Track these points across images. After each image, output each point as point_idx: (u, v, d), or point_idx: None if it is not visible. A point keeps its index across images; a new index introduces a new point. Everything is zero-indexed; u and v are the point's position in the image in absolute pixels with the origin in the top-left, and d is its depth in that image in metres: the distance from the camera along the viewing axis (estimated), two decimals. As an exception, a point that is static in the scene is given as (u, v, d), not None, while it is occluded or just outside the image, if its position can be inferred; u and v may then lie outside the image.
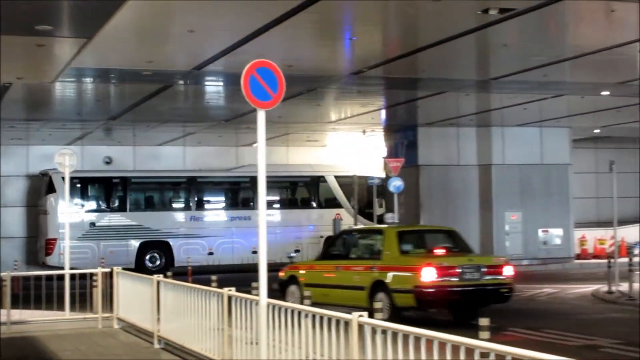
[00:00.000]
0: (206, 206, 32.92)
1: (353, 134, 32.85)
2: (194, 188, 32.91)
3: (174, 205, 32.86)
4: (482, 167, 31.86)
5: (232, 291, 10.50)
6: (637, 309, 18.39)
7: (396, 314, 15.34)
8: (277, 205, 33.52)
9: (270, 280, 9.61)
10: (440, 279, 15.53)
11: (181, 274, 24.94)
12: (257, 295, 9.08)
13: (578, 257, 33.60)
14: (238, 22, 15.14)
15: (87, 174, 31.42)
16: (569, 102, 26.55)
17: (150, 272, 26.21)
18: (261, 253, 9.01)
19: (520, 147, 31.94)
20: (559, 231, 32.25)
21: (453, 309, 16.64)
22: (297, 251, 31.35)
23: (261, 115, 8.97)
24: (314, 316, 8.17)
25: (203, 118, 28.21)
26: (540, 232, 32.03)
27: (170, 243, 31.48)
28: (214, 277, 18.01)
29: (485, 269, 16.18)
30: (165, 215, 32.11)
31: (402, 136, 31.96)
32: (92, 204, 31.78)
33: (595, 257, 33.84)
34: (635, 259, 24.13)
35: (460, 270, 15.82)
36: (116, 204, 31.92)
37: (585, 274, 28.52)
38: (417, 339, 6.35)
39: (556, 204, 32.34)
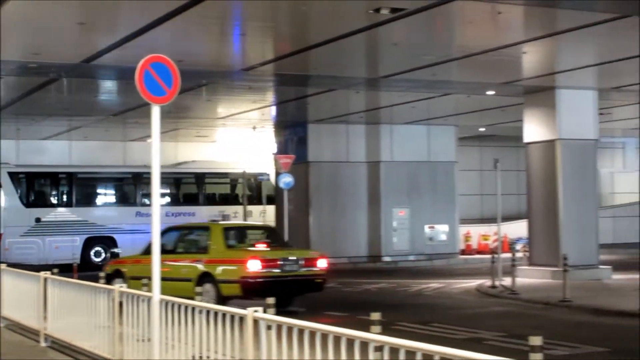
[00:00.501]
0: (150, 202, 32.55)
1: (243, 130, 32.85)
2: (138, 183, 32.65)
3: (119, 200, 32.72)
4: (370, 164, 32.26)
5: (123, 287, 10.39)
6: (519, 302, 18.99)
7: (221, 303, 15.75)
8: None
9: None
10: (264, 270, 17.04)
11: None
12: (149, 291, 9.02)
13: (463, 252, 34.39)
14: (129, 16, 15.00)
15: (32, 169, 31.18)
16: (456, 101, 27.17)
17: (96, 267, 26.51)
18: (155, 249, 8.98)
19: (408, 145, 32.48)
20: (444, 227, 32.93)
21: (274, 297, 17.08)
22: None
23: (156, 111, 8.92)
24: (208, 312, 8.17)
25: (90, 112, 27.76)
26: (426, 228, 32.64)
27: (115, 238, 31.36)
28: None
29: (302, 262, 17.86)
30: (110, 210, 31.92)
31: (293, 133, 32.12)
32: (37, 199, 31.27)
33: (479, 252, 34.69)
34: (518, 254, 24.87)
35: (281, 262, 17.47)
36: (62, 199, 31.58)
37: (470, 269, 29.21)
38: (312, 333, 6.44)
39: (442, 200, 33.03)
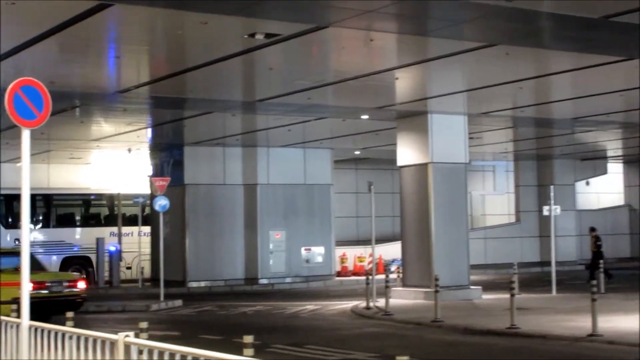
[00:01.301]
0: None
1: (118, 152, 32.49)
2: (108, 205, 33.70)
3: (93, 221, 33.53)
4: (247, 187, 32.33)
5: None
6: (392, 323, 19.37)
7: None
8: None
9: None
10: (35, 292, 18.02)
11: None
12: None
13: (339, 274, 34.75)
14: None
15: (12, 191, 30.89)
16: (332, 125, 27.55)
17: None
18: (24, 273, 8.85)
19: (285, 167, 32.71)
20: (320, 249, 33.26)
21: (43, 316, 17.46)
22: None
23: (26, 135, 8.83)
24: (78, 337, 8.11)
25: (-42, 133, 26.97)
26: (303, 251, 32.89)
27: (92, 258, 32.25)
28: None
29: (66, 283, 20.48)
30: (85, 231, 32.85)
31: (169, 155, 31.94)
32: (16, 221, 31.59)
33: (355, 274, 35.13)
34: (392, 276, 25.32)
35: (49, 284, 19.95)
36: (40, 221, 32.47)
37: (346, 290, 29.58)
38: (184, 357, 6.49)
39: (318, 223, 33.36)
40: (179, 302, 25.18)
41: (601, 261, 27.52)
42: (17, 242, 30.62)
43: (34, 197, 32.54)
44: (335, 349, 15.10)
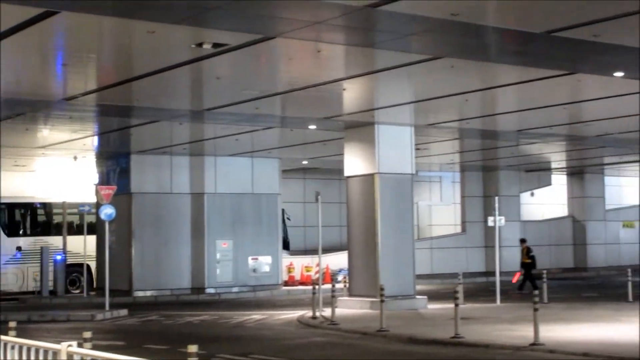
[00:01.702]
0: None
1: (64, 160, 32.20)
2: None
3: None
4: (194, 196, 32.24)
5: None
6: (338, 332, 19.46)
7: None
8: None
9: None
10: None
11: None
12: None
13: (286, 284, 34.79)
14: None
15: (13, 200, 32.71)
16: (280, 134, 27.62)
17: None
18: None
19: (233, 177, 32.67)
20: (268, 259, 33.26)
21: None
22: None
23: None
24: (20, 347, 8.06)
25: None
26: (250, 260, 32.86)
27: (90, 265, 32.60)
28: None
29: None
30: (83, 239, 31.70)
31: (115, 163, 31.73)
32: (18, 229, 32.91)
33: (302, 283, 35.19)
34: (338, 285, 25.46)
35: None
36: (40, 229, 33.18)
37: (293, 300, 29.63)
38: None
39: (266, 232, 33.37)
40: (124, 312, 25.02)
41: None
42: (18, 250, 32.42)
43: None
44: (281, 359, 15.14)
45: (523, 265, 30.87)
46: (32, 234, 33.35)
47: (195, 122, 24.52)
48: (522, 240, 32.06)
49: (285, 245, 36.83)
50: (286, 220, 37.49)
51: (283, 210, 35.13)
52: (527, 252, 30.98)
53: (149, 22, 13.34)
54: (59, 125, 24.58)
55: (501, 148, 32.92)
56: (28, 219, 34.16)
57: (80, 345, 7.31)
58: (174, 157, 31.73)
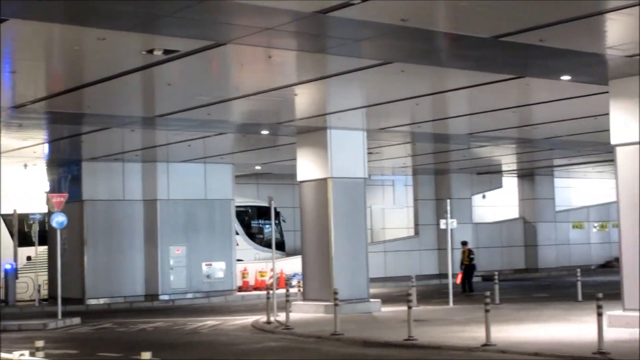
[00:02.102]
0: None
1: (14, 168, 31.87)
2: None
3: None
4: (147, 202, 32.08)
5: None
6: (293, 337, 19.52)
7: None
8: None
9: None
10: None
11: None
12: None
13: (240, 289, 34.72)
14: None
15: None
16: (232, 140, 27.62)
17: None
18: None
19: (185, 183, 32.58)
20: (222, 264, 33.19)
21: None
22: None
23: None
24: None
25: None
26: (204, 266, 32.79)
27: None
28: None
29: None
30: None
31: (66, 171, 31.49)
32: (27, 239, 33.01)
33: (256, 289, 35.13)
34: (293, 290, 25.49)
35: None
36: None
37: (247, 305, 29.61)
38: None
39: (219, 238, 33.32)
40: (77, 320, 24.82)
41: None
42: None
43: None
44: (236, 364, 15.16)
45: (464, 267, 31.44)
46: None
47: (147, 129, 24.41)
48: (464, 243, 32.53)
49: (281, 247, 37.19)
50: (281, 222, 37.82)
51: (279, 213, 35.16)
52: (468, 255, 31.56)
53: (99, 29, 13.29)
54: (9, 133, 24.32)
55: (453, 151, 33.23)
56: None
57: (32, 355, 7.29)
58: (126, 164, 31.56)
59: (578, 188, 50.14)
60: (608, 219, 48.56)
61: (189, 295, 32.25)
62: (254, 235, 39.57)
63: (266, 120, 23.59)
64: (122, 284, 31.37)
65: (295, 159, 26.25)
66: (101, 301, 30.78)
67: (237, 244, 35.42)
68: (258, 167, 37.02)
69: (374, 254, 34.96)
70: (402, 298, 26.38)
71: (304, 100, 20.72)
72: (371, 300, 25.28)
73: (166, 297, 31.74)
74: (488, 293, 16.99)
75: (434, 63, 16.86)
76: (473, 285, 31.03)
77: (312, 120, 23.43)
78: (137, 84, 18.22)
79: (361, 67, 16.96)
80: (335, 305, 19.39)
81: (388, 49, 15.55)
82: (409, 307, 17.70)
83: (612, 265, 45.87)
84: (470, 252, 31.74)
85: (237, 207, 35.13)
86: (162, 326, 23.15)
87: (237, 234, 36.38)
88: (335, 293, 19.88)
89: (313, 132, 24.92)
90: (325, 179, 24.85)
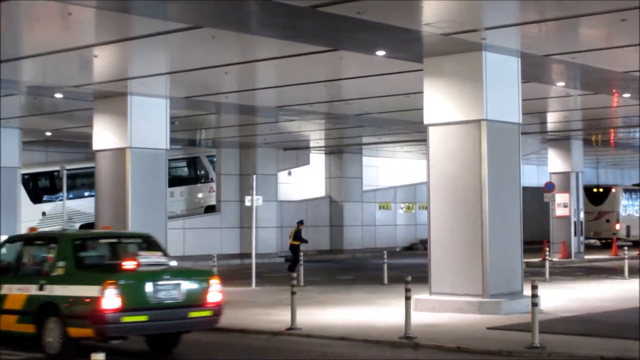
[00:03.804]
0: None
1: None
2: None
3: None
4: None
5: None
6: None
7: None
8: None
9: None
10: None
11: None
12: None
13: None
14: None
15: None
16: (22, 102, 26.63)
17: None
18: None
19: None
20: (5, 238, 31.90)
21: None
22: None
23: None
24: None
25: None
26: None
27: None
28: None
29: None
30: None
31: None
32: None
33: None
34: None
35: None
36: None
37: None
38: None
39: (4, 210, 32.03)
40: None
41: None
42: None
43: None
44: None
45: (292, 247, 31.36)
46: None
47: None
48: (301, 222, 32.30)
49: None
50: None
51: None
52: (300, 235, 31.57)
53: None
54: None
55: (259, 124, 33.37)
56: None
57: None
58: None
59: (385, 167, 51.49)
60: (415, 200, 50.29)
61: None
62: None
63: (61, 83, 22.85)
64: None
65: (90, 126, 25.58)
66: None
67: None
68: (48, 133, 35.85)
69: (173, 231, 34.59)
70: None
71: (103, 62, 20.23)
72: (169, 280, 25.02)
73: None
74: (295, 274, 17.19)
75: (245, 30, 16.81)
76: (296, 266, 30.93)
77: (112, 84, 22.86)
78: None
79: (167, 30, 16.70)
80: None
81: (197, 13, 15.40)
82: (211, 288, 17.60)
83: (416, 248, 47.61)
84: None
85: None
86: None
87: None
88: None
89: (112, 98, 24.32)
90: (123, 149, 24.35)
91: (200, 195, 43.75)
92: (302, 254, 28.33)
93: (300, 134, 37.53)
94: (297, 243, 30.05)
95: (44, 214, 38.10)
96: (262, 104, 27.59)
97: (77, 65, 20.35)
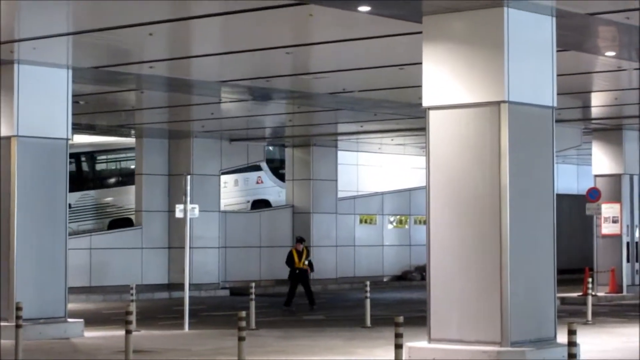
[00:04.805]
0: None
1: None
2: None
3: None
4: None
5: None
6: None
7: None
8: None
9: None
10: None
11: None
12: None
13: None
14: None
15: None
16: None
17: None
18: None
19: None
20: None
21: None
22: None
23: None
24: None
25: None
26: None
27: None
28: None
29: None
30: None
31: None
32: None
33: None
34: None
35: None
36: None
37: None
38: None
39: None
40: None
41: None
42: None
43: None
44: None
45: (298, 271, 31.60)
46: None
47: None
48: (302, 240, 32.53)
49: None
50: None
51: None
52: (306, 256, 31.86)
53: None
54: None
55: (196, 105, 33.38)
56: None
57: None
58: None
59: (369, 166, 51.57)
60: (409, 212, 50.42)
61: None
62: None
63: None
64: None
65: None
66: None
67: None
68: None
69: (75, 252, 34.47)
70: (115, 318, 26.35)
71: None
72: (70, 320, 24.99)
73: None
74: (244, 313, 17.16)
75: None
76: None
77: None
78: None
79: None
80: (18, 326, 18.99)
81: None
82: (128, 332, 17.61)
83: (411, 277, 47.78)
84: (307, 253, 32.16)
85: None
86: None
87: None
88: (19, 309, 19.46)
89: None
90: (8, 138, 24.26)
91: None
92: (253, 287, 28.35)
93: (253, 119, 37.49)
94: (305, 267, 30.57)
95: None
96: (199, 78, 27.58)
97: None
